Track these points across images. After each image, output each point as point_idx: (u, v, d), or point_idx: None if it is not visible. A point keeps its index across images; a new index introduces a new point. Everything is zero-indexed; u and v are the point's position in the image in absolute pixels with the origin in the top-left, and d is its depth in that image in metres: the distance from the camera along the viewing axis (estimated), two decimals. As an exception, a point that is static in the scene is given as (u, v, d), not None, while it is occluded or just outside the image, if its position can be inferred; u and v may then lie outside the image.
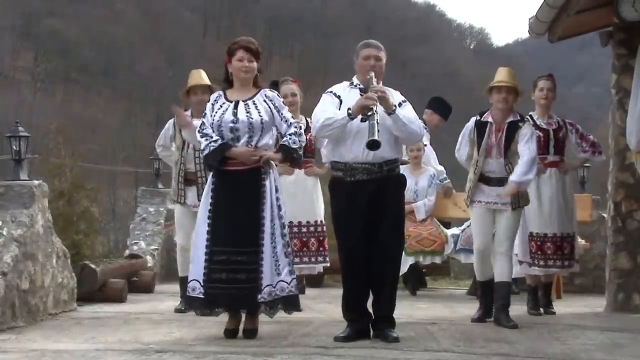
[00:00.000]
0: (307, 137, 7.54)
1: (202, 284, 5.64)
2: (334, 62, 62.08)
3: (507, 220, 6.84)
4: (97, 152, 35.25)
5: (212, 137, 5.72)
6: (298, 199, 7.39)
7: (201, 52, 57.52)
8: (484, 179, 6.86)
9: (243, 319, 5.80)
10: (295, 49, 71.00)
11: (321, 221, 7.75)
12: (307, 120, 7.61)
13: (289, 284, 5.72)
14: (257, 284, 5.61)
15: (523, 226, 7.35)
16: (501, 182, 6.78)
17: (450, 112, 9.89)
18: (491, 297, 6.93)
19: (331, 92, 5.87)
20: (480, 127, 6.88)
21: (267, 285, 5.63)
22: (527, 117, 7.26)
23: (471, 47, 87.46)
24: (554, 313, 7.66)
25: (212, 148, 5.70)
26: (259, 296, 5.62)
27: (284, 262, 5.72)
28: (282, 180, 7.39)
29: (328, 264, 7.89)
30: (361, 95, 5.66)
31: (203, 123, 5.81)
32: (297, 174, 7.55)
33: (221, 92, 5.92)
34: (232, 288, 5.61)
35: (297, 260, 7.33)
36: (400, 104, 5.76)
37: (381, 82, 5.81)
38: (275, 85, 7.79)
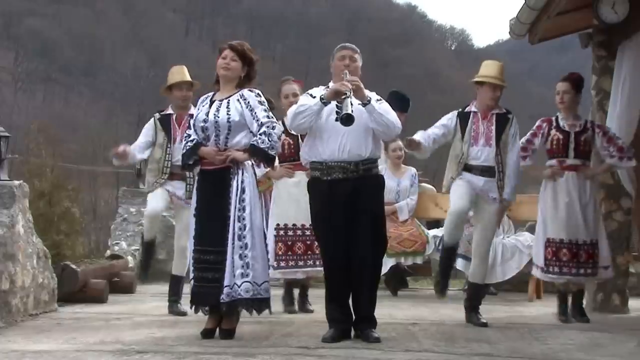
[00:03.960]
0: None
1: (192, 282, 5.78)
2: (315, 62, 61.99)
3: (489, 217, 6.84)
4: (78, 152, 35.03)
5: (189, 136, 5.87)
6: (301, 202, 6.89)
7: (183, 52, 57.35)
8: (467, 167, 6.79)
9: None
10: (277, 50, 70.93)
11: None
12: None
13: (239, 287, 5.64)
14: (220, 283, 5.62)
15: (542, 231, 7.25)
16: (485, 171, 6.75)
17: (408, 105, 9.25)
18: (450, 264, 6.94)
19: (308, 93, 5.95)
20: (463, 117, 6.85)
21: (226, 286, 5.61)
22: (553, 118, 7.26)
23: (452, 48, 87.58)
24: (587, 321, 7.18)
25: (187, 148, 5.86)
26: (221, 297, 5.61)
27: (238, 264, 5.66)
28: (283, 183, 7.35)
29: None
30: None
31: (189, 125, 6.04)
32: (300, 177, 7.23)
33: (210, 94, 5.98)
34: (201, 286, 5.70)
35: (300, 263, 7.28)
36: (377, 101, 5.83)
37: None
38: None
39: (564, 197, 7.14)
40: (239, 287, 5.63)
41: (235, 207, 5.71)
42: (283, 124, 7.01)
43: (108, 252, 10.42)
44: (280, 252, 7.32)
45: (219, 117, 5.78)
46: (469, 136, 6.79)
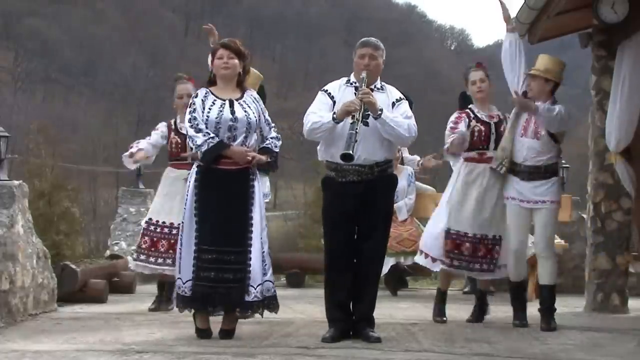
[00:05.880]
0: None
1: (191, 282, 5.66)
2: (315, 62, 62.14)
3: (542, 219, 6.62)
4: (77, 152, 35.03)
5: (209, 133, 5.65)
6: (176, 200, 7.15)
7: (182, 52, 57.43)
8: (514, 169, 6.60)
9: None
10: (276, 50, 70.97)
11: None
12: None
13: (273, 284, 5.79)
14: (244, 283, 5.61)
15: (444, 220, 6.92)
16: (532, 175, 6.56)
17: (411, 106, 9.30)
18: (523, 300, 6.77)
19: (326, 91, 5.90)
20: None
21: (259, 285, 5.63)
22: (468, 110, 6.91)
23: (452, 48, 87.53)
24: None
25: (210, 145, 5.63)
26: (252, 296, 5.62)
27: (269, 262, 5.77)
28: (166, 180, 7.53)
29: None
30: (355, 94, 5.70)
31: (195, 117, 5.69)
32: (178, 174, 7.29)
33: (207, 90, 5.85)
34: (220, 287, 5.62)
35: (160, 260, 7.37)
36: (393, 104, 5.82)
37: (378, 80, 5.87)
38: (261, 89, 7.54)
39: (474, 190, 6.83)
40: (273, 284, 5.78)
41: (261, 207, 5.79)
42: (175, 124, 7.47)
43: (108, 252, 10.43)
44: (144, 246, 7.44)
45: (250, 118, 5.75)
46: (521, 127, 6.68)
